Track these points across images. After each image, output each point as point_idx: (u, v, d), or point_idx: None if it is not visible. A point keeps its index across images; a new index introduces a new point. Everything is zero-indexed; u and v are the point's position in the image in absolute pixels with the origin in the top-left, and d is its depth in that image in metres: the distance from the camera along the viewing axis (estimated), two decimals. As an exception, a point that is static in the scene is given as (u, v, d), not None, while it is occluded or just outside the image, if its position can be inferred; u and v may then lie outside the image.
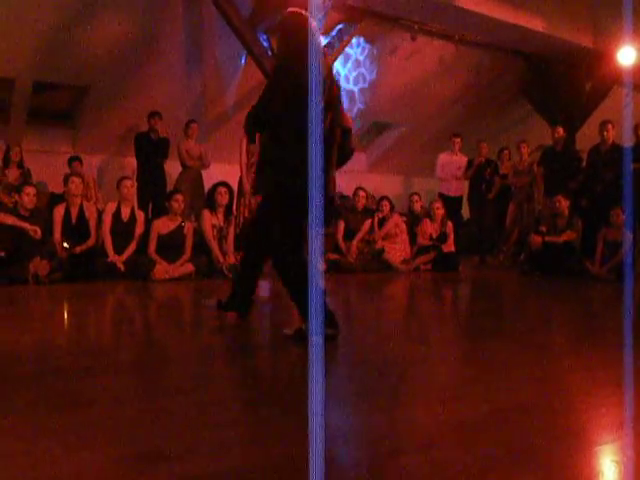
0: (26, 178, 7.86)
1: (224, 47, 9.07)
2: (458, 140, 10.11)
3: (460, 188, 10.20)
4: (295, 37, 3.71)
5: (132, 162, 8.82)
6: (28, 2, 7.62)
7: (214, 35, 8.99)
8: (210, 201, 7.15)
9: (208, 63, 9.22)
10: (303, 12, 3.85)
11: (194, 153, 8.65)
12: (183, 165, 8.64)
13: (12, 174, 7.92)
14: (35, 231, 6.24)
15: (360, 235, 8.33)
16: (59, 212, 6.75)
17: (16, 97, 8.80)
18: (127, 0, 8.11)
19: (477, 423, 2.35)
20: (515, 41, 10.50)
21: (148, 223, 7.07)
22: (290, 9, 3.91)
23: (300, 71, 3.51)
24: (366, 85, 10.79)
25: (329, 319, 3.66)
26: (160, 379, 2.98)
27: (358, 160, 11.93)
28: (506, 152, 10.28)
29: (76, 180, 6.93)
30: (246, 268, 4.13)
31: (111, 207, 6.84)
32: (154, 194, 8.30)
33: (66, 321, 4.80)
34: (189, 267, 6.72)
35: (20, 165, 8.04)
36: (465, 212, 10.50)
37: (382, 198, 8.86)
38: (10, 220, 6.25)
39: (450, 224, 8.81)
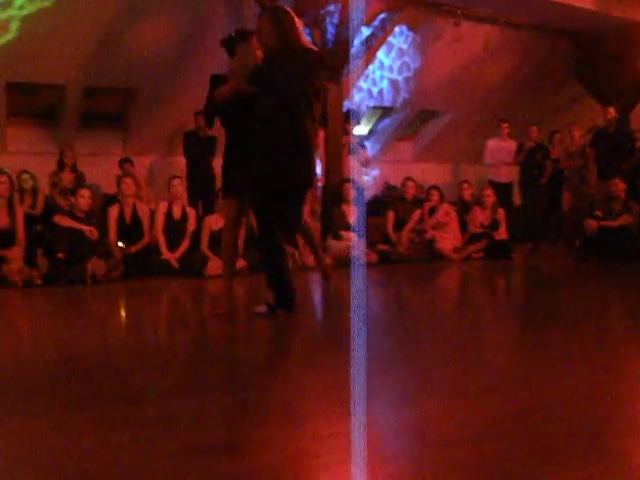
0: (80, 181, 8.05)
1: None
2: (506, 125, 9.95)
3: (510, 174, 10.04)
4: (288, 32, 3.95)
5: (181, 161, 8.94)
6: (74, 11, 7.78)
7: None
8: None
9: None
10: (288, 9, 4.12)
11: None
12: None
13: (66, 177, 8.12)
14: (91, 232, 6.40)
15: (410, 225, 8.28)
16: (113, 213, 6.90)
17: (67, 103, 9.00)
18: (170, 2, 8.21)
19: (535, 413, 2.31)
20: (564, 21, 10.26)
21: (199, 220, 7.17)
22: (275, 4, 4.10)
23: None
24: (410, 74, 10.68)
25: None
26: (213, 375, 3.02)
27: (405, 150, 11.84)
28: (557, 135, 10.06)
29: (129, 181, 7.07)
30: (267, 263, 4.20)
31: (163, 206, 6.96)
32: (204, 192, 8.40)
33: (123, 319, 4.91)
34: (242, 262, 6.78)
35: (73, 169, 8.24)
36: (516, 198, 10.34)
37: (431, 187, 8.79)
38: (67, 222, 6.43)
39: (501, 211, 8.69)
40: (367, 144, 10.04)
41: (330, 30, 8.69)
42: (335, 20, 8.67)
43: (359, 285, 5.97)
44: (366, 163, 8.81)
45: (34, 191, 7.79)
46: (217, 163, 8.81)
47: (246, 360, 3.34)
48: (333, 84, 8.46)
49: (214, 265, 6.60)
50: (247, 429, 2.23)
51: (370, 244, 8.00)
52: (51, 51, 8.07)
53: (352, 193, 7.96)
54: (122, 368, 3.12)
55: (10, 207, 6.59)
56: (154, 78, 8.88)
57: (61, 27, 7.87)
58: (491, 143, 9.98)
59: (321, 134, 7.99)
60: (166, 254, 6.73)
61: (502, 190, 9.49)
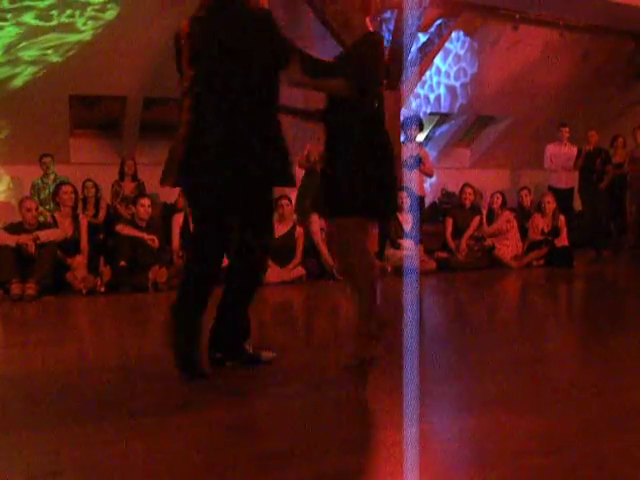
0: (140, 190, 8.18)
1: (323, 49, 9.11)
2: (566, 130, 9.74)
3: (571, 179, 9.82)
4: None
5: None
6: (134, 25, 7.96)
7: (313, 38, 9.06)
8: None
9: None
10: None
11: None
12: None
13: (127, 187, 8.28)
14: (153, 240, 6.50)
15: (469, 232, 8.16)
16: (177, 221, 6.98)
17: (128, 113, 9.20)
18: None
19: (607, 425, 2.24)
20: (626, 22, 9.99)
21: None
22: None
23: None
24: (468, 80, 10.56)
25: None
26: (274, 382, 3.02)
27: (462, 156, 11.71)
28: (620, 139, 9.80)
29: (189, 190, 7.15)
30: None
31: (222, 215, 7.02)
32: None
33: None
34: (300, 270, 6.83)
35: (134, 178, 8.38)
36: (577, 204, 10.11)
37: (495, 192, 8.65)
38: (129, 231, 6.54)
39: (562, 217, 8.49)
40: (430, 152, 9.91)
41: (386, 37, 8.66)
42: (391, 27, 8.64)
43: (417, 293, 5.92)
44: (430, 173, 8.68)
45: (97, 200, 7.97)
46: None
47: (301, 367, 3.32)
48: (390, 91, 8.41)
49: (273, 273, 6.63)
50: (310, 436, 2.22)
51: (428, 252, 7.92)
52: (112, 64, 8.27)
53: (407, 201, 7.89)
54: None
55: (74, 216, 6.75)
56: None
57: (121, 41, 8.05)
58: (551, 148, 9.79)
59: None
60: (226, 262, 6.77)
61: (563, 196, 9.29)
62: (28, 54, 7.86)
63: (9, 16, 7.41)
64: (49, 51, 7.90)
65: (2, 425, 2.48)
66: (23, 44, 7.73)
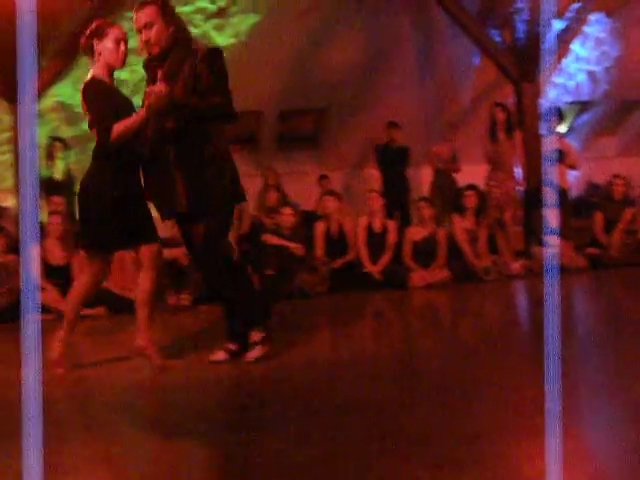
0: (284, 199, 8.37)
1: (455, 48, 9.00)
2: None
3: None
4: None
5: (375, 174, 9.06)
6: (265, 40, 8.20)
7: (444, 37, 8.96)
8: (459, 205, 7.12)
9: (441, 66, 9.20)
10: None
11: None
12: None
13: (271, 197, 8.46)
14: (298, 248, 6.67)
15: (622, 226, 7.71)
16: (320, 229, 7.09)
17: (264, 127, 9.49)
18: (358, 22, 8.39)
19: None
20: None
21: (399, 232, 7.20)
22: None
23: None
24: (610, 63, 10.01)
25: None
26: (417, 389, 2.99)
27: (608, 145, 11.11)
28: None
29: (331, 199, 7.24)
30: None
31: (363, 220, 7.06)
32: (400, 203, 8.42)
33: (329, 333, 5.03)
34: (444, 272, 6.74)
35: (277, 188, 8.60)
36: None
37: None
38: (275, 240, 6.75)
39: None
40: (572, 143, 9.48)
41: (521, 28, 8.39)
42: (525, 17, 8.36)
43: (567, 292, 5.67)
44: (576, 166, 8.29)
45: (240, 213, 8.23)
46: (412, 173, 8.90)
47: (445, 372, 3.27)
48: (528, 83, 8.15)
49: (417, 276, 6.59)
50: (472, 444, 2.17)
51: (577, 248, 7.57)
52: (248, 80, 8.54)
53: (551, 196, 7.57)
54: (330, 380, 3.19)
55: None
56: (345, 96, 9.12)
57: (255, 57, 8.32)
58: None
59: (518, 136, 7.72)
60: (369, 267, 6.82)
61: None
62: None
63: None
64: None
65: (162, 431, 2.62)
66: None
